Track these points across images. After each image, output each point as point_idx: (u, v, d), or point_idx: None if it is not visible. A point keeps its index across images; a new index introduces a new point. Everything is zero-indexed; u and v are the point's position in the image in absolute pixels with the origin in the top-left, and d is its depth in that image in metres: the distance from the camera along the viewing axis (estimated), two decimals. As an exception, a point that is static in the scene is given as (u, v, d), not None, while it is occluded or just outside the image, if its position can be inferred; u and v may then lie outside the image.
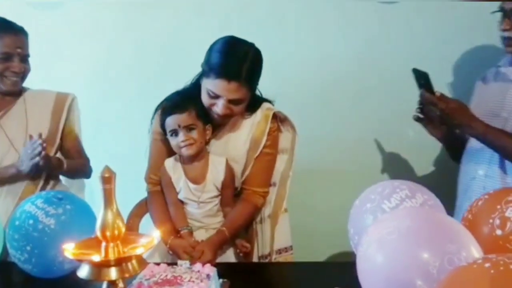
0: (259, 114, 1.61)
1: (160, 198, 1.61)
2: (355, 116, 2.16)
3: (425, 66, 1.54)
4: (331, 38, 2.14)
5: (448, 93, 1.85)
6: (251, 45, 1.52)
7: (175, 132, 1.52)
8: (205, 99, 1.51)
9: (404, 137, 2.12)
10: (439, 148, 2.11)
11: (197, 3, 2.16)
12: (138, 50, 2.20)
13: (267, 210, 1.65)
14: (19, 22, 1.69)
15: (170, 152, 1.61)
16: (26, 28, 1.68)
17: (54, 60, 2.17)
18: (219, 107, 1.49)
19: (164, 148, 1.61)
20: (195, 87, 1.58)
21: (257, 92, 1.62)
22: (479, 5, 1.95)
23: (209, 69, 1.49)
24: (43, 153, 1.53)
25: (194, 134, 1.52)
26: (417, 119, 1.60)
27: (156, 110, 1.64)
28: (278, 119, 1.62)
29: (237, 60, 1.47)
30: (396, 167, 2.13)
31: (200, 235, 1.57)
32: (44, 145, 1.54)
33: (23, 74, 1.67)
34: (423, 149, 2.10)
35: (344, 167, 2.15)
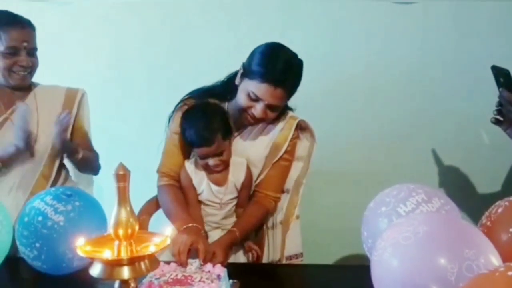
0: (282, 122, 1.61)
1: (176, 191, 1.58)
2: (368, 117, 2.15)
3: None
4: (344, 38, 2.12)
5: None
6: (296, 55, 1.53)
7: (203, 158, 1.51)
8: (243, 100, 1.50)
9: (417, 139, 2.11)
10: (451, 151, 2.09)
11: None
12: (147, 46, 2.19)
13: (279, 216, 1.64)
14: (27, 17, 1.68)
15: (187, 151, 1.60)
16: (34, 23, 1.67)
17: (64, 56, 2.17)
18: (257, 110, 1.48)
19: (180, 143, 1.59)
20: (225, 87, 1.58)
21: None
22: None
23: (254, 72, 1.47)
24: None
25: (224, 157, 1.51)
26: (496, 122, 1.46)
27: (176, 107, 1.62)
28: (299, 127, 1.62)
29: (284, 67, 1.47)
30: (409, 170, 2.11)
31: (216, 235, 1.55)
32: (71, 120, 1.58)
33: (31, 69, 1.65)
34: (445, 152, 2.06)
35: (356, 168, 2.14)
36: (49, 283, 1.36)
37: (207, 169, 1.54)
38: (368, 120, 2.15)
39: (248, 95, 1.48)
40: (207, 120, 1.48)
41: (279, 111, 1.55)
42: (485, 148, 2.11)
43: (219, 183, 1.55)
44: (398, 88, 2.13)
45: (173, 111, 1.62)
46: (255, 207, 1.58)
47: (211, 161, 1.50)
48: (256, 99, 1.47)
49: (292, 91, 1.53)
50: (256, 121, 1.53)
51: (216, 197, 1.55)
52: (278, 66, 1.46)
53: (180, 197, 1.57)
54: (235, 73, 1.56)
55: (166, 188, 1.59)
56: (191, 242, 1.35)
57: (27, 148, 1.60)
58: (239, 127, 1.60)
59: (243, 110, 1.52)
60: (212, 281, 1.17)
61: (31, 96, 1.70)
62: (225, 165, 1.54)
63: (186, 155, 1.60)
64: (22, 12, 1.66)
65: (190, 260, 1.31)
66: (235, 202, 1.58)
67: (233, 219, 1.59)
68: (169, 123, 1.63)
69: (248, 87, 1.48)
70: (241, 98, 1.51)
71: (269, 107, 1.49)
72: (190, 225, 1.44)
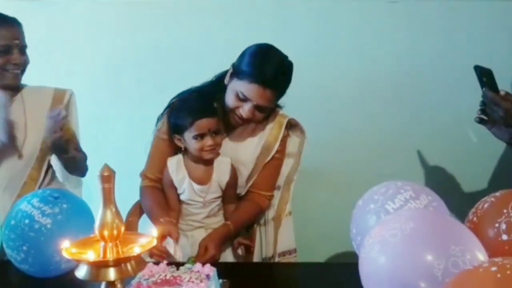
0: (272, 122, 1.61)
1: (157, 193, 1.59)
2: (358, 115, 2.15)
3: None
4: (334, 36, 2.13)
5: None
6: (286, 56, 1.53)
7: (201, 136, 1.49)
8: (231, 100, 1.50)
9: (406, 138, 2.11)
10: (445, 150, 2.10)
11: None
12: (136, 46, 2.18)
13: (270, 213, 1.65)
14: (17, 16, 1.66)
15: (173, 153, 1.59)
16: (23, 22, 1.66)
17: (51, 56, 2.15)
18: (244, 111, 1.48)
19: (167, 148, 1.59)
20: (214, 86, 1.57)
21: None
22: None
23: (244, 72, 1.48)
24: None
25: (219, 139, 1.51)
26: (480, 121, 1.46)
27: (167, 108, 1.61)
28: (289, 125, 1.62)
29: (274, 68, 1.47)
30: (398, 168, 2.11)
31: (199, 235, 1.56)
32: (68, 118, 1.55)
33: (23, 66, 1.64)
34: (433, 150, 2.07)
35: (346, 167, 2.14)
36: (37, 286, 1.34)
37: (196, 159, 1.52)
38: (359, 119, 2.16)
39: (237, 95, 1.48)
40: (204, 97, 1.49)
41: (267, 112, 1.55)
42: (472, 147, 2.13)
43: (201, 182, 1.54)
44: (387, 88, 2.14)
45: (162, 114, 1.62)
46: (249, 204, 1.59)
47: (209, 141, 1.48)
48: (245, 99, 1.47)
49: (281, 93, 1.53)
50: (244, 121, 1.53)
51: (198, 196, 1.55)
52: (268, 68, 1.46)
53: (161, 199, 1.58)
54: (224, 73, 1.56)
55: (148, 190, 1.60)
56: (162, 231, 1.37)
57: (9, 141, 1.58)
58: (228, 129, 1.60)
59: (231, 110, 1.52)
60: (201, 281, 1.16)
61: (18, 98, 1.68)
62: (216, 154, 1.53)
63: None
64: (8, 12, 1.65)
65: (164, 243, 1.33)
66: (219, 201, 1.58)
67: (217, 218, 1.59)
68: (157, 124, 1.62)
69: (237, 87, 1.48)
70: (229, 98, 1.50)
71: (257, 107, 1.49)
72: (167, 218, 1.46)
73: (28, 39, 1.66)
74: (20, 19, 1.65)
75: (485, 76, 1.42)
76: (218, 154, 1.54)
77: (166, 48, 2.16)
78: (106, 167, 0.96)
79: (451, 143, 2.13)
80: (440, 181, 2.11)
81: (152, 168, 1.61)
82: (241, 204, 1.59)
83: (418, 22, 2.11)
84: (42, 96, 1.71)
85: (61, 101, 1.71)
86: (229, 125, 1.58)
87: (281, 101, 1.63)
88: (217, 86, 1.57)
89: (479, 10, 2.07)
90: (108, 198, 0.96)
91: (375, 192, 1.27)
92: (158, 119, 1.62)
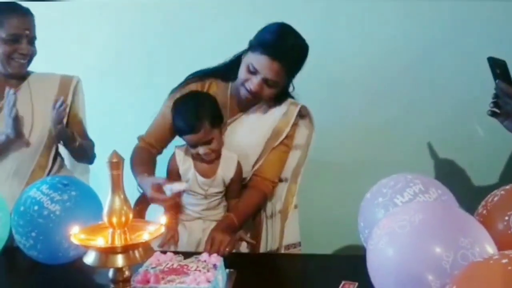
0: (284, 107, 1.62)
1: (145, 152, 1.61)
2: (367, 107, 2.14)
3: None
4: (343, 28, 2.11)
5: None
6: (303, 38, 1.54)
7: (192, 146, 1.52)
8: (242, 73, 1.52)
9: (416, 130, 2.09)
10: (450, 142, 2.08)
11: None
12: (144, 35, 2.18)
13: (278, 206, 1.64)
14: (26, 4, 1.67)
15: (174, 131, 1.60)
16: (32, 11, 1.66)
17: (60, 44, 2.15)
18: (253, 83, 1.50)
19: (169, 125, 1.59)
20: (230, 66, 1.59)
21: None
22: None
23: (257, 44, 1.51)
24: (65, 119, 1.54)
25: (213, 145, 1.51)
26: (492, 114, 1.43)
27: (180, 85, 1.63)
28: (299, 114, 1.63)
29: (286, 43, 1.49)
30: (407, 161, 2.09)
31: (197, 225, 1.56)
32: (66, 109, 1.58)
33: (30, 57, 1.65)
34: (443, 143, 2.04)
35: (355, 159, 2.13)
36: (45, 272, 1.35)
37: (198, 159, 1.54)
38: (367, 111, 2.14)
39: (248, 68, 1.50)
40: (194, 108, 1.49)
41: (276, 89, 1.54)
42: (484, 140, 2.11)
43: (206, 175, 1.54)
44: (397, 79, 2.12)
45: (176, 88, 1.63)
46: (252, 192, 1.58)
47: (201, 150, 1.50)
48: (254, 72, 1.49)
49: (291, 70, 1.53)
50: (253, 95, 1.52)
51: (201, 188, 1.55)
52: (280, 41, 1.49)
53: (145, 157, 1.60)
54: (241, 54, 1.57)
55: (138, 150, 1.62)
56: (153, 181, 1.41)
57: (17, 136, 1.58)
58: (242, 108, 1.61)
59: (241, 85, 1.53)
60: (208, 270, 1.16)
61: (25, 84, 1.69)
62: (217, 154, 1.53)
63: (173, 134, 1.61)
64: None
65: (164, 188, 1.36)
66: (221, 196, 1.58)
67: (217, 211, 1.58)
68: (169, 95, 1.63)
69: (249, 59, 1.50)
70: (241, 72, 1.53)
71: (266, 81, 1.49)
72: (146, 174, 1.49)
73: (38, 26, 1.66)
74: (31, 6, 1.65)
75: (498, 68, 1.40)
76: (217, 156, 1.54)
77: (175, 36, 2.15)
78: (115, 153, 0.96)
79: (462, 137, 2.11)
80: (450, 175, 2.09)
81: (150, 134, 1.64)
82: (245, 193, 1.58)
83: (428, 13, 2.08)
84: (49, 83, 1.71)
85: (68, 87, 1.71)
86: (242, 104, 1.59)
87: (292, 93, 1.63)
88: (232, 66, 1.58)
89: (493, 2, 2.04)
90: (117, 184, 0.96)
91: (383, 185, 1.26)
92: (172, 91, 1.63)
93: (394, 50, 2.10)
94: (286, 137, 1.60)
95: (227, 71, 1.60)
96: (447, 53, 2.09)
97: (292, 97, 1.65)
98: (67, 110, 1.63)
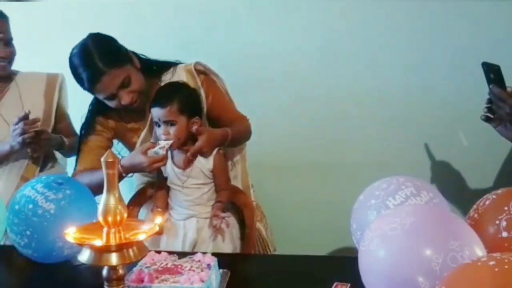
0: (180, 74, 1.65)
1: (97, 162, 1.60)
2: (363, 111, 2.15)
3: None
4: (340, 30, 2.12)
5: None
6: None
7: (156, 124, 1.52)
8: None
9: (411, 133, 2.11)
10: (445, 145, 2.10)
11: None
12: (127, 33, 2.18)
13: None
14: (4, 9, 1.67)
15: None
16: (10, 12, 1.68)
17: (43, 42, 2.16)
18: (123, 98, 1.55)
19: (98, 145, 1.65)
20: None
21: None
22: None
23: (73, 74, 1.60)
24: (28, 134, 1.58)
25: (173, 130, 1.49)
26: (486, 119, 1.43)
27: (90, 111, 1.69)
28: (199, 72, 1.66)
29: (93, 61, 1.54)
30: (403, 164, 2.10)
31: (191, 224, 1.56)
32: (38, 123, 1.62)
33: (9, 59, 1.68)
34: (438, 147, 2.06)
35: (350, 161, 2.14)
36: (40, 271, 1.36)
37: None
38: (363, 114, 2.15)
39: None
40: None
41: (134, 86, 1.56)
42: (479, 145, 2.12)
43: (182, 166, 1.55)
44: (393, 82, 2.13)
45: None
46: (239, 121, 1.66)
47: (161, 129, 1.50)
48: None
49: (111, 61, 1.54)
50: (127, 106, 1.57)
51: (178, 179, 1.55)
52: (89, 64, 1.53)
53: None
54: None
55: (87, 171, 1.62)
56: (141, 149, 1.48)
57: (22, 149, 1.63)
58: None
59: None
60: (202, 270, 1.17)
61: (13, 85, 1.73)
62: (177, 145, 1.51)
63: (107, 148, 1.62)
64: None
65: (153, 152, 1.45)
66: (204, 189, 1.56)
67: (209, 209, 1.57)
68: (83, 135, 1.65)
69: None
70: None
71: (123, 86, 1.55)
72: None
73: (20, 26, 1.67)
74: (12, 7, 1.67)
75: (492, 73, 1.39)
76: (182, 145, 1.52)
77: (157, 33, 2.15)
78: (110, 153, 0.97)
79: (458, 141, 2.11)
80: (445, 179, 2.09)
81: (81, 163, 1.67)
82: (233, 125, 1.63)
83: (427, 16, 2.08)
84: (36, 81, 1.77)
85: (54, 85, 1.77)
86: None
87: (294, 108, 1.65)
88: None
89: (486, 5, 2.05)
90: (112, 184, 0.97)
91: (376, 187, 1.28)
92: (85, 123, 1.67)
93: (392, 54, 2.11)
94: (206, 89, 1.65)
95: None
96: (446, 56, 2.09)
97: (174, 63, 1.68)
98: (38, 124, 1.65)
